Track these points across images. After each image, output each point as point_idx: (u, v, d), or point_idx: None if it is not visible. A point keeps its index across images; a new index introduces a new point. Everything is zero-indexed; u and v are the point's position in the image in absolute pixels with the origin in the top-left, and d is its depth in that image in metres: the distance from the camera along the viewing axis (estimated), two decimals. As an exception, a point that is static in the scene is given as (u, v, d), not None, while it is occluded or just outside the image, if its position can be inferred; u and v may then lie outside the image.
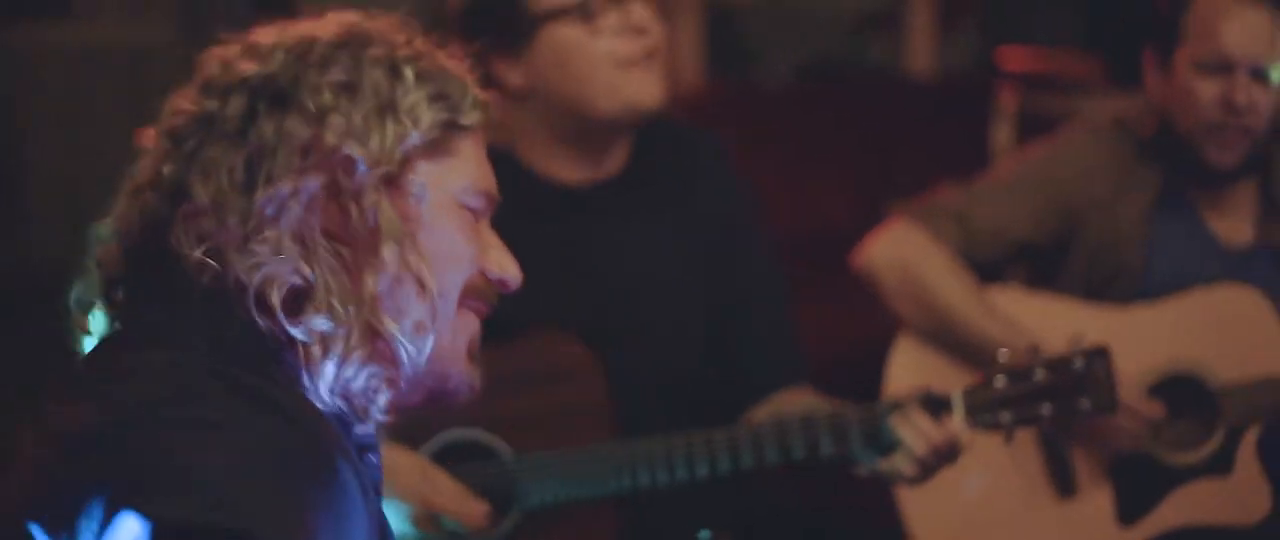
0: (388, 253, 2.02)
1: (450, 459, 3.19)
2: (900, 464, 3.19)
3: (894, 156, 5.40)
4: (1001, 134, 4.62)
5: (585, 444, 3.22)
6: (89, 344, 2.09)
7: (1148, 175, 3.78)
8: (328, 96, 2.02)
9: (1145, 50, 3.76)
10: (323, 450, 1.93)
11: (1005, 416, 3.22)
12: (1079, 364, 3.23)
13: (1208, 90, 3.65)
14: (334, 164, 2.00)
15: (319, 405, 2.01)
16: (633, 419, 3.29)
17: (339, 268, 2.00)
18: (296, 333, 1.99)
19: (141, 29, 6.33)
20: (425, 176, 2.06)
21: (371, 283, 2.01)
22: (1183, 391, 3.67)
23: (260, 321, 1.99)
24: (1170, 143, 3.74)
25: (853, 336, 4.19)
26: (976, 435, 3.23)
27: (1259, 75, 3.64)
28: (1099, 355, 3.23)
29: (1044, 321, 3.70)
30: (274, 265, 1.98)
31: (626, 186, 3.41)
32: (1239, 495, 3.66)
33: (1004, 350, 3.34)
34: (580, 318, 3.32)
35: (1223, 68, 3.64)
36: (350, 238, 2.01)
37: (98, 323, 2.09)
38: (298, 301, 1.99)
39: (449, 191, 2.08)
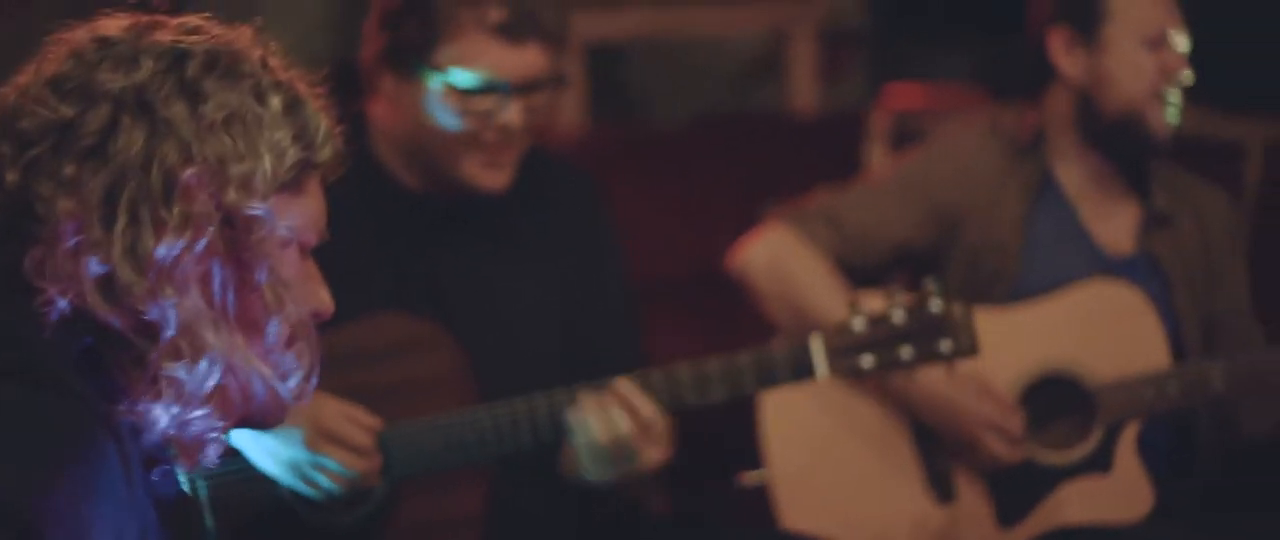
0: (267, 299, 1.96)
1: None
2: None
3: (779, 193, 5.39)
4: (875, 154, 4.62)
5: (448, 410, 3.18)
6: None
7: (1026, 177, 3.76)
8: (225, 140, 1.92)
9: (1050, 32, 3.73)
10: (83, 426, 1.86)
11: (866, 360, 3.24)
12: (937, 306, 3.24)
13: (1150, 61, 3.68)
14: (232, 218, 1.92)
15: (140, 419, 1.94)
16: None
17: (210, 315, 1.92)
18: (159, 372, 1.91)
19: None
20: (285, 217, 1.97)
21: (242, 333, 1.95)
22: (1059, 391, 3.64)
23: (108, 355, 1.92)
24: (1096, 128, 3.73)
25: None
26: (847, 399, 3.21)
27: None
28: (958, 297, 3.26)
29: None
30: (148, 312, 1.89)
31: (484, 205, 3.36)
32: (1119, 493, 3.63)
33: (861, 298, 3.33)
34: (429, 314, 3.29)
35: (1160, 39, 3.68)
36: (226, 286, 1.94)
37: None
38: (156, 342, 1.90)
39: (297, 230, 2.00)
